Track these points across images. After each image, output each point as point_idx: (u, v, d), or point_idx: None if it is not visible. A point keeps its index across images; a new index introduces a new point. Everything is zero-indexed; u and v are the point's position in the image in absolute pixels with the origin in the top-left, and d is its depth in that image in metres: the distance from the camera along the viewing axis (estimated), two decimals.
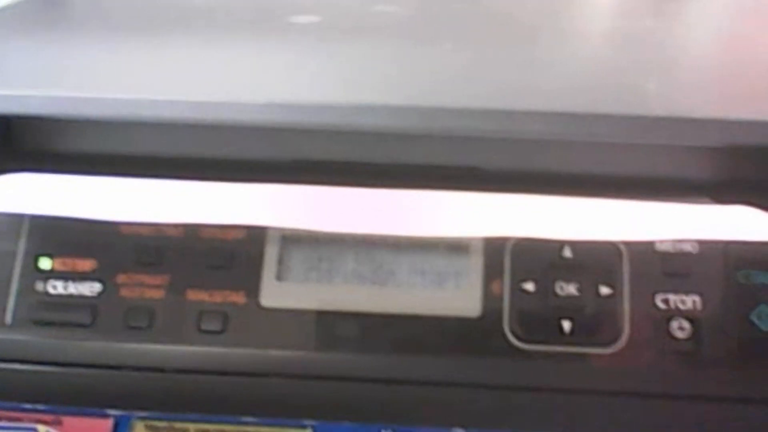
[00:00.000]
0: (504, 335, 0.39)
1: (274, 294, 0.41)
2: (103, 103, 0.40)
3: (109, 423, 0.42)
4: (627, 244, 0.39)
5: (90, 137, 0.45)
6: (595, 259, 0.39)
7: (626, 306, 0.39)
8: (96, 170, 0.43)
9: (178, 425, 0.42)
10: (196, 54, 0.45)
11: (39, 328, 0.41)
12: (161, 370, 0.40)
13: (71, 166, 0.43)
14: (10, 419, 0.42)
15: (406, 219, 0.41)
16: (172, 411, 0.41)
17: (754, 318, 0.38)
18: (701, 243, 0.39)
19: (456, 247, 0.40)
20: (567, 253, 0.40)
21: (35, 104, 0.38)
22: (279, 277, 0.41)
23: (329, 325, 0.40)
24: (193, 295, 0.41)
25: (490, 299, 0.40)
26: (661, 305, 0.39)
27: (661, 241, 0.39)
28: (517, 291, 0.39)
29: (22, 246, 0.42)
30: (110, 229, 0.42)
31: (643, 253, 0.39)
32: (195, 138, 0.44)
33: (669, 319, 0.39)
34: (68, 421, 0.42)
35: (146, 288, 0.41)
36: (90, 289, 0.41)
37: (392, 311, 0.40)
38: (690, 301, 0.39)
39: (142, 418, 0.42)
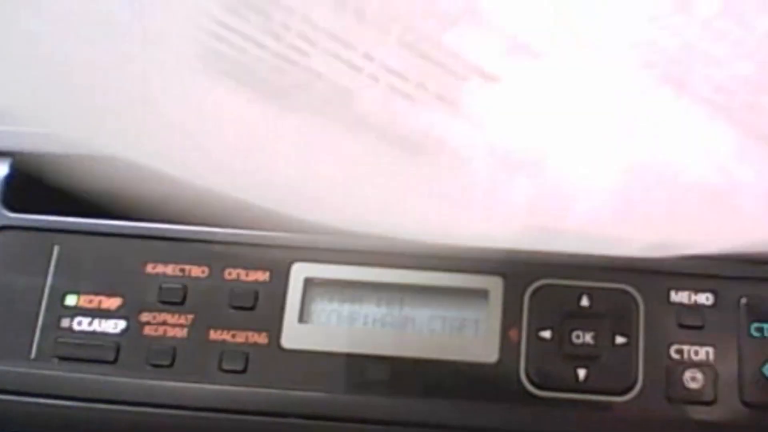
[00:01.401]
0: (520, 381, 0.40)
1: (295, 336, 0.41)
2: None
3: None
4: (643, 294, 0.40)
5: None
6: (612, 309, 0.40)
7: (641, 356, 0.40)
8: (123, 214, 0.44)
9: None
10: None
11: (63, 364, 0.42)
12: (182, 408, 0.41)
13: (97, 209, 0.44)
14: None
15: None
16: None
17: (765, 371, 0.39)
18: (715, 295, 0.40)
19: (476, 294, 0.41)
20: (584, 301, 0.41)
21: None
22: (300, 320, 0.42)
23: (349, 368, 0.41)
24: (216, 335, 0.42)
25: (507, 346, 0.40)
26: (675, 356, 0.40)
27: (677, 292, 0.40)
28: (534, 338, 0.40)
29: (49, 281, 0.43)
30: (136, 267, 0.43)
31: (659, 303, 0.40)
32: None
33: (683, 370, 0.39)
34: None
35: (169, 327, 0.42)
36: (114, 326, 0.42)
37: (412, 355, 0.41)
38: (703, 352, 0.40)
39: None
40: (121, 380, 0.41)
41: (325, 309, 0.42)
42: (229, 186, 0.38)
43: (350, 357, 0.41)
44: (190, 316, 0.42)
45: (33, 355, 0.42)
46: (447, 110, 0.34)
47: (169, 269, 0.43)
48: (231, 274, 0.42)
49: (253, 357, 0.41)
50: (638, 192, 0.35)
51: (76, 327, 0.42)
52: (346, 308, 0.42)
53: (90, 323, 0.42)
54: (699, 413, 0.39)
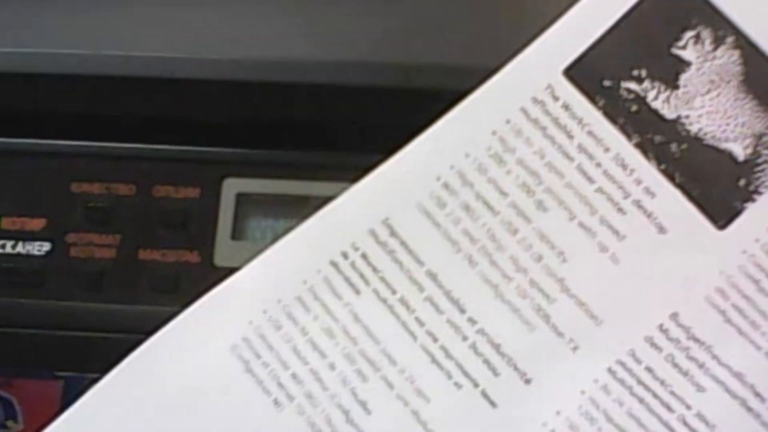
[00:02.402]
0: None
1: (229, 253, 0.40)
2: (62, 60, 0.39)
3: (60, 385, 0.41)
4: None
5: (45, 95, 0.44)
6: None
7: None
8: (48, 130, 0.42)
9: None
10: (151, 11, 0.44)
11: None
12: (112, 331, 0.39)
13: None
14: None
15: None
16: None
17: None
18: None
19: None
20: None
21: None
22: (234, 237, 0.40)
23: None
24: (145, 255, 0.40)
25: None
26: None
27: None
28: None
29: None
30: (61, 187, 0.41)
31: None
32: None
33: None
34: (18, 383, 0.42)
35: (96, 247, 0.40)
36: (39, 248, 0.40)
37: None
38: None
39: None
40: (47, 304, 0.40)
41: (259, 225, 0.40)
42: None
43: None
44: (118, 236, 0.40)
45: None
46: None
47: (95, 188, 0.41)
48: (159, 191, 0.41)
49: (184, 276, 0.39)
50: None
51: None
52: (281, 224, 0.40)
53: (13, 246, 0.40)
54: None
